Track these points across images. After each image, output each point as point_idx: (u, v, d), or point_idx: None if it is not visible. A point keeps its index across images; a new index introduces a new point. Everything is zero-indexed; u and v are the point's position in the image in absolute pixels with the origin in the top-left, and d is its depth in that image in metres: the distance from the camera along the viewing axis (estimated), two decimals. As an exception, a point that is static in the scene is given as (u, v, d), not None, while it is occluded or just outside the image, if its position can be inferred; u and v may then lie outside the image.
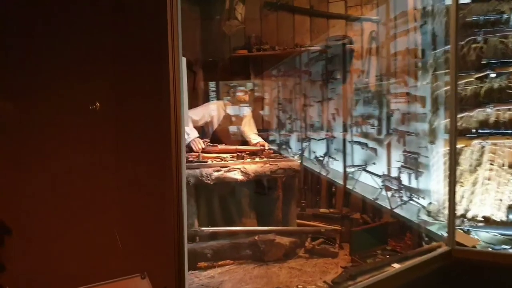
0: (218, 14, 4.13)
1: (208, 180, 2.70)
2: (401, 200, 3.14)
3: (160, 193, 1.39)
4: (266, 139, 4.07)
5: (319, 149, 4.01)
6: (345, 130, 3.86)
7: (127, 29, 1.36)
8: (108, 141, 1.39)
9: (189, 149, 3.18)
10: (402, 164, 3.14)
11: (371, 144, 3.55)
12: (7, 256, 1.30)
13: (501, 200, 2.66)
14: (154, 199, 1.39)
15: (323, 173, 3.86)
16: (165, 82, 1.31)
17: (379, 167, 3.43)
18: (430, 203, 3.01)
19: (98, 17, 1.36)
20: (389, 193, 3.21)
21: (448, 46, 2.65)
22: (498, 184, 2.68)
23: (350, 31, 3.82)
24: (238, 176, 2.78)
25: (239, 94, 3.63)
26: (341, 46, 3.61)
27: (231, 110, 3.67)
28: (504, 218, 2.64)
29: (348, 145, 3.80)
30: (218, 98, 3.77)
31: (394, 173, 3.23)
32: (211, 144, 3.21)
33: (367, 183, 3.51)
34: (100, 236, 1.40)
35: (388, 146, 3.37)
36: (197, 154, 3.00)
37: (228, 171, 2.78)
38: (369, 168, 3.53)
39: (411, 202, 3.09)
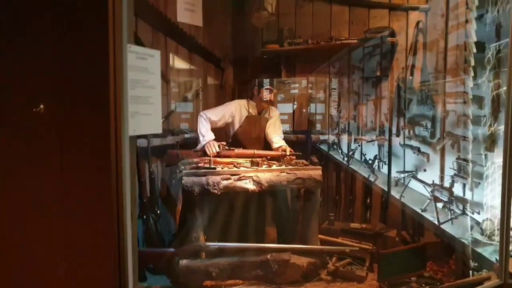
0: (248, 5, 3.87)
1: (215, 189, 2.44)
2: (452, 214, 2.76)
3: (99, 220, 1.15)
4: (315, 140, 3.86)
5: (371, 151, 3.72)
6: (388, 133, 3.50)
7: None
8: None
9: (204, 153, 2.95)
10: (456, 172, 2.79)
11: (423, 148, 3.21)
12: None
13: None
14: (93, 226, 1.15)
15: (372, 178, 3.51)
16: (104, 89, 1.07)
17: (431, 175, 3.09)
18: (487, 219, 2.62)
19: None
20: (439, 205, 2.84)
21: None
22: None
23: (394, 22, 3.36)
24: (249, 185, 2.49)
25: (265, 93, 3.33)
26: (381, 39, 3.17)
27: (254, 110, 3.39)
28: None
29: (399, 149, 3.49)
30: (249, 97, 3.48)
31: (447, 182, 2.88)
32: (227, 148, 2.94)
33: (418, 191, 3.18)
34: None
35: (442, 151, 3.03)
36: (211, 158, 2.74)
37: (239, 179, 2.50)
38: (419, 175, 3.19)
39: (464, 216, 2.70)
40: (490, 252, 2.41)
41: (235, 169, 2.62)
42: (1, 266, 1.21)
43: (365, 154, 3.76)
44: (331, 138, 4.06)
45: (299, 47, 3.78)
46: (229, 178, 2.50)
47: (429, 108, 3.20)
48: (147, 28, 2.95)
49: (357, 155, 3.83)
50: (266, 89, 3.34)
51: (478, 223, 2.62)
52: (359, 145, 3.85)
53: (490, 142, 2.60)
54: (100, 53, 1.12)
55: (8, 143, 1.18)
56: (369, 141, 3.76)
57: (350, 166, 3.75)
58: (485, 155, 2.61)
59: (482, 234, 2.56)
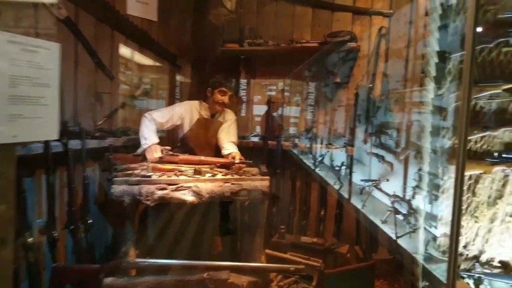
0: (208, 1, 3.65)
1: (148, 200, 2.20)
2: (410, 227, 2.59)
3: None
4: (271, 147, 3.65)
5: (341, 158, 3.56)
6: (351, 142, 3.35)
7: None
8: None
9: (144, 157, 2.71)
10: (417, 184, 2.65)
11: (388, 157, 3.13)
12: None
13: None
14: None
15: (337, 186, 3.35)
16: None
17: (395, 185, 2.96)
18: (442, 234, 2.52)
19: None
20: (400, 217, 2.69)
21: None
22: None
23: (358, 26, 3.23)
24: (188, 196, 2.26)
25: (219, 94, 3.11)
26: (342, 44, 3.02)
27: (207, 112, 3.17)
28: None
29: (366, 157, 3.37)
30: (202, 99, 3.25)
31: (408, 194, 2.75)
32: (171, 153, 2.71)
33: (383, 201, 3.05)
34: None
35: (406, 162, 2.90)
36: (149, 165, 2.51)
37: (176, 189, 2.28)
38: (383, 185, 3.08)
39: (422, 230, 2.52)
40: (443, 270, 2.28)
41: (174, 177, 2.39)
42: None
43: (333, 161, 3.64)
44: (300, 143, 3.88)
45: (259, 48, 3.60)
46: (165, 188, 2.27)
47: (394, 117, 3.11)
48: (90, 19, 2.69)
49: (328, 162, 3.69)
50: (220, 90, 3.13)
51: (435, 238, 2.43)
52: (328, 151, 3.70)
53: (450, 155, 2.53)
54: None
55: None
56: (336, 148, 3.63)
57: (317, 173, 3.58)
58: (444, 168, 2.44)
59: (436, 249, 2.38)
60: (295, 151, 3.79)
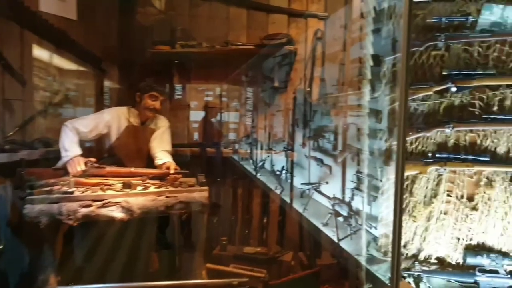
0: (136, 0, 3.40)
1: (70, 219, 1.93)
2: (351, 229, 2.65)
3: None
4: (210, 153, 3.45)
5: (281, 162, 3.57)
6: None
7: None
8: None
9: (66, 171, 2.41)
10: (355, 186, 2.75)
11: (327, 160, 3.19)
12: None
13: (458, 239, 2.25)
14: None
15: (278, 191, 3.34)
16: None
17: (333, 188, 3.02)
18: (383, 234, 2.54)
19: None
20: (341, 219, 2.74)
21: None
22: (455, 220, 2.25)
23: (294, 29, 3.18)
24: (116, 213, 2.02)
25: (149, 100, 2.88)
26: (279, 46, 2.95)
27: (136, 119, 2.92)
28: (460, 261, 2.23)
29: (306, 160, 3.41)
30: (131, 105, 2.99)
31: (348, 196, 2.83)
32: (96, 165, 2.43)
33: (324, 204, 3.10)
34: None
35: (343, 164, 2.97)
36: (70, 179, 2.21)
37: (103, 206, 2.02)
38: (323, 188, 3.13)
39: (362, 232, 2.58)
40: (385, 270, 2.27)
41: (100, 193, 2.14)
42: None
43: (273, 166, 3.62)
44: (241, 149, 3.79)
45: (192, 49, 3.41)
46: (90, 205, 2.01)
47: (331, 120, 3.15)
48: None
49: (269, 167, 3.66)
50: (150, 95, 2.90)
51: (375, 238, 2.52)
52: (268, 156, 3.68)
53: (386, 156, 2.52)
54: None
55: None
56: (276, 153, 3.62)
57: (259, 178, 3.54)
58: (381, 169, 2.51)
59: (378, 250, 2.45)
60: (235, 157, 3.68)
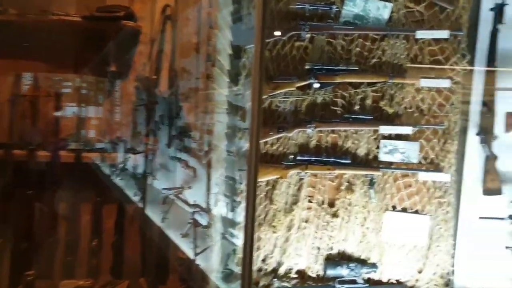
0: None
1: None
2: (211, 241, 2.43)
3: None
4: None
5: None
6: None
7: None
8: None
9: None
10: (218, 190, 2.50)
11: (193, 162, 2.89)
12: None
13: (319, 248, 2.13)
14: None
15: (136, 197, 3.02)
16: None
17: (197, 193, 2.73)
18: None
19: None
20: (199, 230, 2.51)
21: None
22: (316, 228, 2.13)
23: (138, 3, 2.69)
24: None
25: None
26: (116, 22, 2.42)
27: None
28: (321, 273, 2.11)
29: (171, 162, 3.12)
30: None
31: (212, 202, 2.56)
32: None
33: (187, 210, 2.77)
34: None
35: (208, 166, 2.66)
36: None
37: None
38: (187, 193, 2.84)
39: (223, 243, 2.38)
40: (245, 288, 2.09)
41: None
42: None
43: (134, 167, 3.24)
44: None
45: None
46: None
47: (194, 117, 2.87)
48: None
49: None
50: None
51: (235, 250, 2.27)
52: (129, 157, 3.25)
53: (248, 158, 2.34)
54: None
55: None
56: (137, 153, 3.19)
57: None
58: (242, 172, 2.30)
59: (237, 264, 2.21)
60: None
